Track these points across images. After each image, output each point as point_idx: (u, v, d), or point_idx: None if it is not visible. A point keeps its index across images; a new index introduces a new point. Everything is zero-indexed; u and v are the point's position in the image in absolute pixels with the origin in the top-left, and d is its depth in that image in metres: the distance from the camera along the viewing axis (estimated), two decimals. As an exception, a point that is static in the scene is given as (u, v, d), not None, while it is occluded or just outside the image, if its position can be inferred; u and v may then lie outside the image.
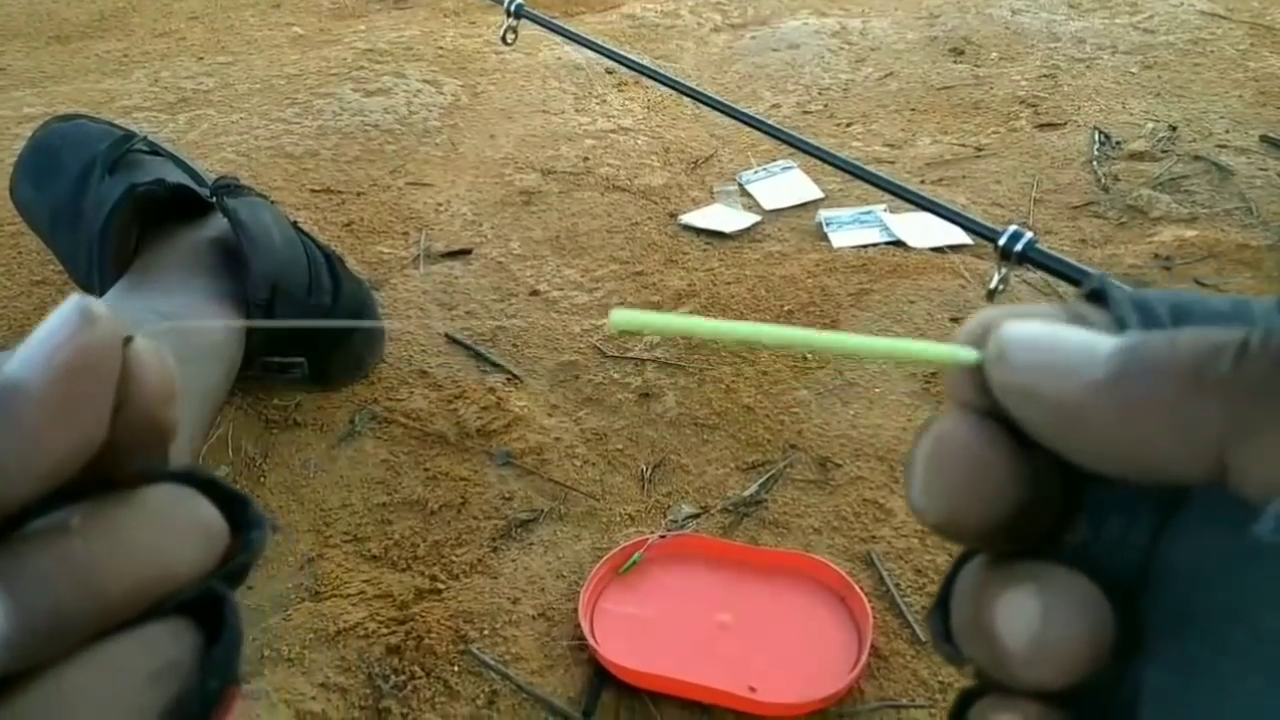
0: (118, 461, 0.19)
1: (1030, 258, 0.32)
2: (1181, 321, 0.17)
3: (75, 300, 0.19)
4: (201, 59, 1.39)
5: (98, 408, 0.18)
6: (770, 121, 1.14)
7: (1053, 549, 0.18)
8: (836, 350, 0.18)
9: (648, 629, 0.61)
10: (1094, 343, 0.17)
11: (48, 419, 0.18)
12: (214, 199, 0.74)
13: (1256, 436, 0.15)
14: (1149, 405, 0.16)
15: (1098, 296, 0.18)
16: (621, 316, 0.18)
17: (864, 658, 0.57)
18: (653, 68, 0.58)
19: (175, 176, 0.77)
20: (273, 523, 0.64)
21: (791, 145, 0.49)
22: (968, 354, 0.18)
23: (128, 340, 0.19)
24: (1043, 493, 0.18)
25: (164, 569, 0.20)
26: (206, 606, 0.20)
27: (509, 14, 0.63)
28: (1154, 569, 0.17)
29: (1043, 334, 0.17)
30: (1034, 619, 0.17)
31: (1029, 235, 0.33)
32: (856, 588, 0.61)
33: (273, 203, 0.82)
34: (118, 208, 0.71)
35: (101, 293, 0.72)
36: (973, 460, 0.17)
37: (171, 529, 0.20)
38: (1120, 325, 0.17)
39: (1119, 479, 0.17)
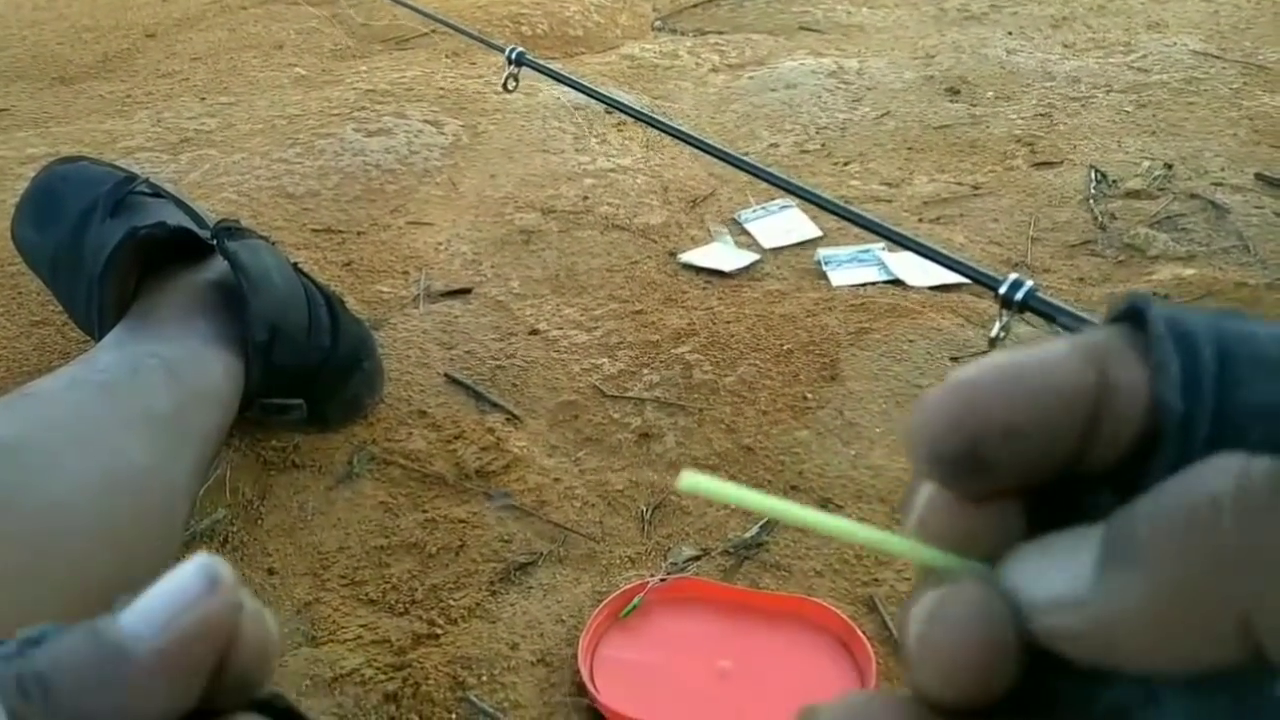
0: (203, 710, 0.19)
1: (1032, 306, 0.32)
2: (1227, 368, 0.15)
3: (202, 561, 0.19)
4: (204, 99, 1.40)
5: (202, 675, 0.19)
6: (768, 162, 1.15)
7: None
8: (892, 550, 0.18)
9: (648, 675, 0.60)
10: (1076, 565, 0.16)
11: (153, 688, 0.18)
12: (215, 241, 0.75)
13: None
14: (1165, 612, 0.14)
15: (1132, 317, 0.17)
16: (691, 481, 0.18)
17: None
18: (648, 113, 0.59)
19: (176, 219, 0.77)
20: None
21: (785, 189, 0.49)
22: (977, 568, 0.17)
23: (239, 605, 0.19)
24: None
25: None
26: None
27: (510, 62, 0.64)
28: None
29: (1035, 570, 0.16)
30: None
31: (1030, 284, 0.33)
32: (859, 633, 0.61)
33: (274, 243, 0.82)
34: (118, 250, 0.71)
35: (101, 334, 0.72)
36: (979, 653, 0.16)
37: None
38: (1158, 369, 0.16)
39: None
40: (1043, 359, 0.17)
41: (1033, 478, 0.17)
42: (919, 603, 0.17)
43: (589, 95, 0.57)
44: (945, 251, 0.37)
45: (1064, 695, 0.17)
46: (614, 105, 0.56)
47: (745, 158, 0.52)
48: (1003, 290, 0.33)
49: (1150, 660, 0.15)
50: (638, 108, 0.63)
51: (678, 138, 0.53)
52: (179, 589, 0.19)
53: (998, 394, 0.16)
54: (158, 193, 0.81)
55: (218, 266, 0.76)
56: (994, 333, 0.33)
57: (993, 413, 0.16)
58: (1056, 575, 0.16)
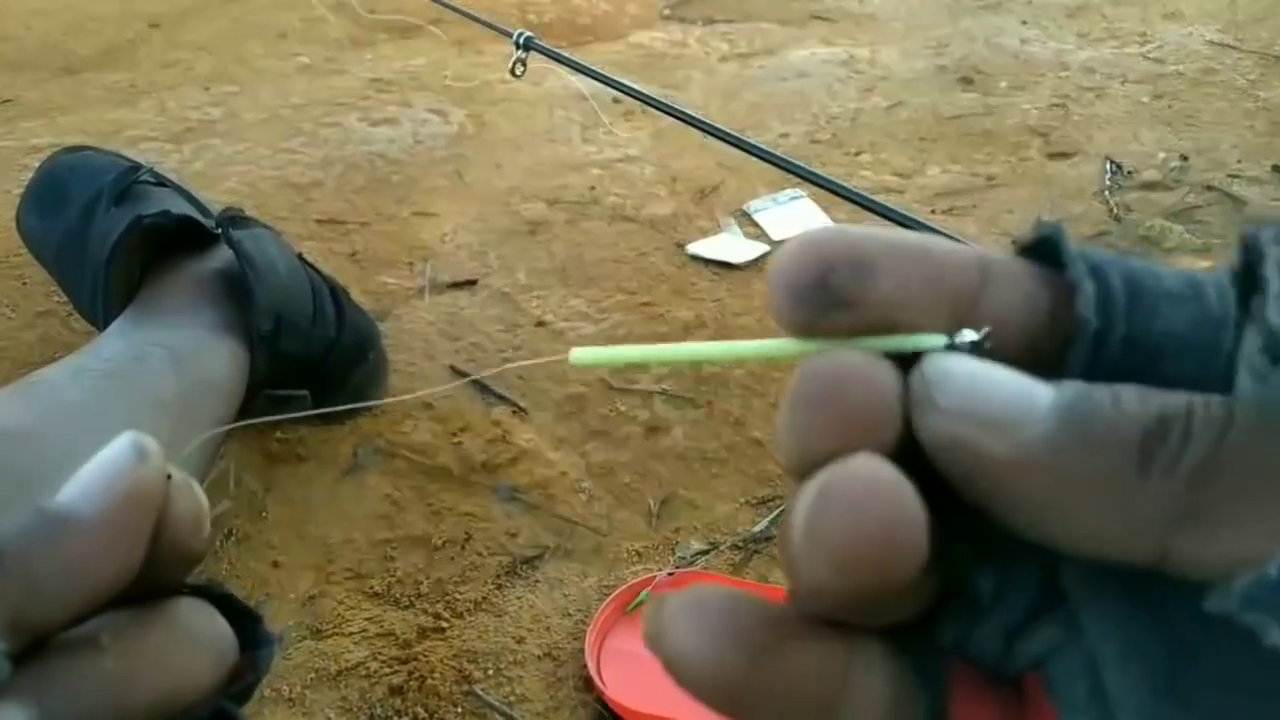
0: (147, 583, 0.20)
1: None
2: (1135, 299, 0.16)
3: (130, 436, 0.20)
4: (208, 89, 1.39)
5: (140, 539, 0.20)
6: (779, 150, 1.14)
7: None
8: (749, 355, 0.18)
9: (655, 670, 0.59)
10: (1030, 392, 0.15)
11: (94, 549, 0.19)
12: (219, 230, 0.74)
13: (1203, 523, 0.14)
14: (1089, 478, 0.14)
15: (1044, 249, 0.17)
16: (581, 355, 0.18)
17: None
18: (659, 98, 0.58)
19: (181, 208, 0.76)
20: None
21: (796, 175, 0.48)
22: (933, 340, 0.16)
23: (168, 476, 0.21)
24: (946, 554, 0.16)
25: (184, 686, 0.20)
26: None
27: (518, 46, 0.62)
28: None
29: (976, 374, 0.15)
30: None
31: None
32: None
33: (278, 233, 0.81)
34: (123, 239, 0.71)
35: (106, 323, 0.71)
36: (882, 516, 0.14)
37: (192, 646, 0.21)
38: (1071, 290, 0.16)
39: (1041, 545, 0.15)
40: (925, 237, 0.17)
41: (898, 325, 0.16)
42: (804, 490, 0.15)
43: (597, 80, 0.56)
44: (956, 238, 0.36)
45: (975, 591, 0.16)
46: (622, 89, 0.55)
47: (756, 144, 0.51)
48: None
49: (1084, 527, 0.14)
50: (643, 90, 0.62)
51: (686, 121, 0.52)
52: (110, 460, 0.20)
53: (856, 235, 0.16)
54: (162, 182, 0.81)
55: (222, 256, 0.75)
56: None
57: (842, 249, 0.16)
58: (997, 393, 0.15)
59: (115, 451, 0.20)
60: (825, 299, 0.16)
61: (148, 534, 0.20)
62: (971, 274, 0.16)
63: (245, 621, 0.22)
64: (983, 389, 0.15)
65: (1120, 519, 0.14)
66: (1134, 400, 0.15)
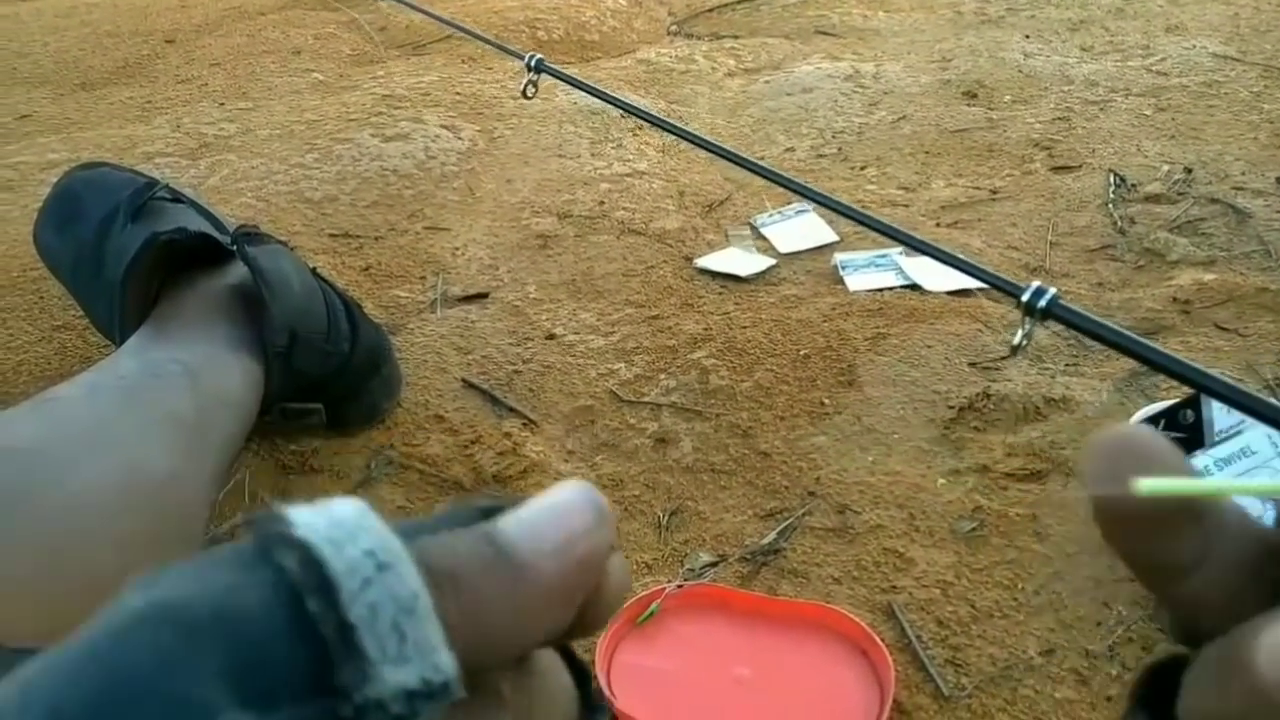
0: (554, 641, 0.20)
1: (1055, 314, 0.32)
2: None
3: (588, 491, 0.20)
4: (223, 105, 1.41)
5: (577, 603, 0.19)
6: (784, 168, 1.14)
7: None
8: None
9: (665, 682, 0.60)
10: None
11: (543, 607, 0.18)
12: (234, 247, 0.75)
13: None
14: None
15: None
16: (1149, 484, 0.19)
17: (886, 713, 0.56)
18: (665, 118, 0.58)
19: (196, 224, 0.77)
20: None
21: (799, 193, 0.49)
22: None
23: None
24: None
25: None
26: None
27: (529, 69, 0.64)
28: None
29: None
30: None
31: (1052, 291, 0.32)
32: (878, 640, 0.60)
33: (292, 249, 0.82)
34: (139, 256, 0.72)
35: (122, 339, 0.72)
36: None
37: (559, 704, 0.21)
38: None
39: None
40: None
41: None
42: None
43: (608, 102, 0.57)
44: (964, 257, 0.37)
45: None
46: (633, 111, 0.56)
47: (760, 162, 0.52)
48: (1025, 298, 0.33)
49: None
50: (654, 113, 0.63)
51: (694, 142, 0.53)
52: (566, 513, 0.19)
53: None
54: (178, 198, 0.82)
55: (237, 272, 0.76)
56: (1016, 340, 0.32)
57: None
58: None
59: (572, 504, 0.19)
60: None
61: (584, 601, 0.19)
62: None
63: (581, 679, 0.22)
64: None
65: None
66: None
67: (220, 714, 0.15)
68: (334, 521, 0.17)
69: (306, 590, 0.16)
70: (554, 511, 0.19)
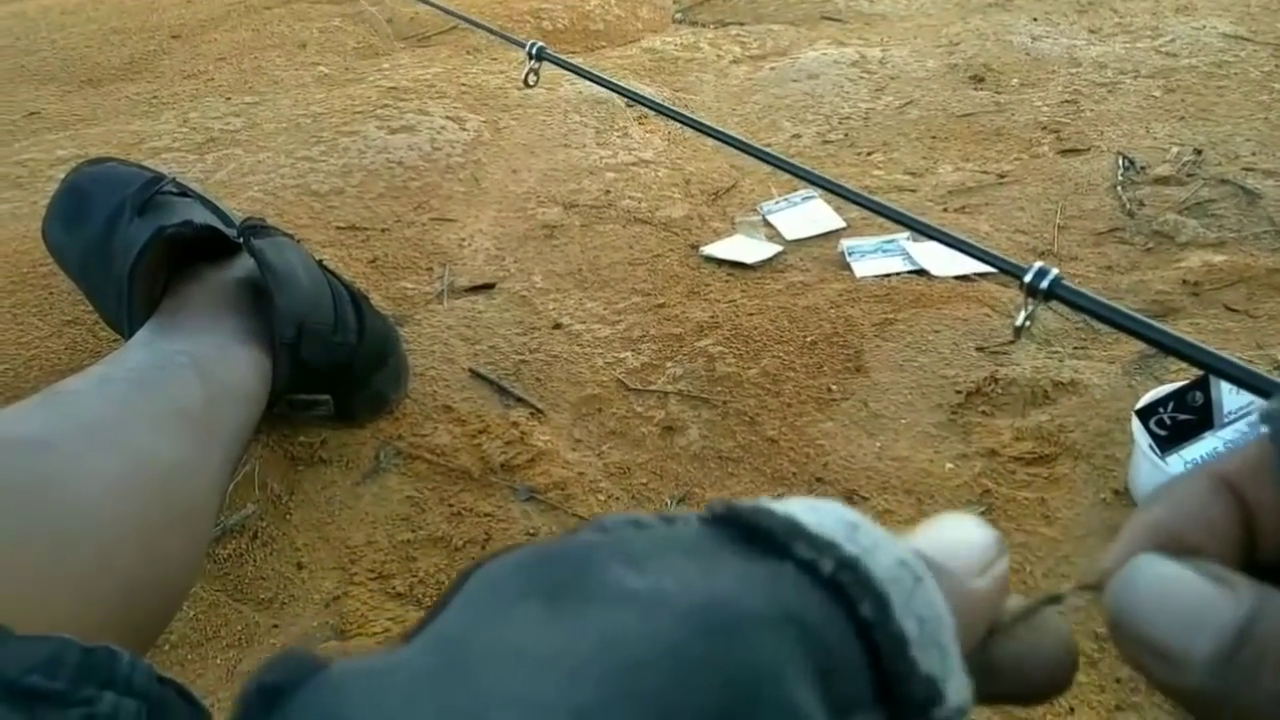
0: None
1: (1058, 295, 0.32)
2: None
3: (984, 525, 0.20)
4: (229, 99, 1.41)
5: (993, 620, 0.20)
6: (790, 153, 1.14)
7: None
8: None
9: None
10: (1202, 620, 0.16)
11: (980, 619, 0.19)
12: (241, 240, 0.75)
13: None
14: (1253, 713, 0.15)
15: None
16: None
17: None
18: (667, 105, 0.58)
19: (203, 218, 0.78)
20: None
21: (805, 179, 0.49)
22: None
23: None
24: None
25: None
26: None
27: (530, 57, 0.64)
28: None
29: (1162, 595, 0.17)
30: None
31: (1055, 272, 0.32)
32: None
33: (299, 241, 0.83)
34: (146, 249, 0.72)
35: (131, 333, 0.73)
36: None
37: None
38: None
39: None
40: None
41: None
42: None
43: (609, 89, 0.57)
44: (969, 240, 0.37)
45: None
46: (633, 98, 0.56)
47: (767, 149, 0.52)
48: (1028, 279, 0.32)
49: None
50: (658, 100, 0.63)
51: (697, 129, 0.53)
52: (983, 543, 0.20)
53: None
54: (185, 192, 0.82)
55: (244, 265, 0.76)
56: (1019, 322, 0.32)
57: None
58: (1171, 619, 0.18)
59: (979, 534, 0.20)
60: None
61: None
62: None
63: None
64: (1161, 612, 0.17)
65: None
66: None
67: None
68: (848, 524, 0.17)
69: (858, 596, 0.16)
70: (960, 532, 0.20)
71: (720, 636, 0.14)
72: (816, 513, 0.17)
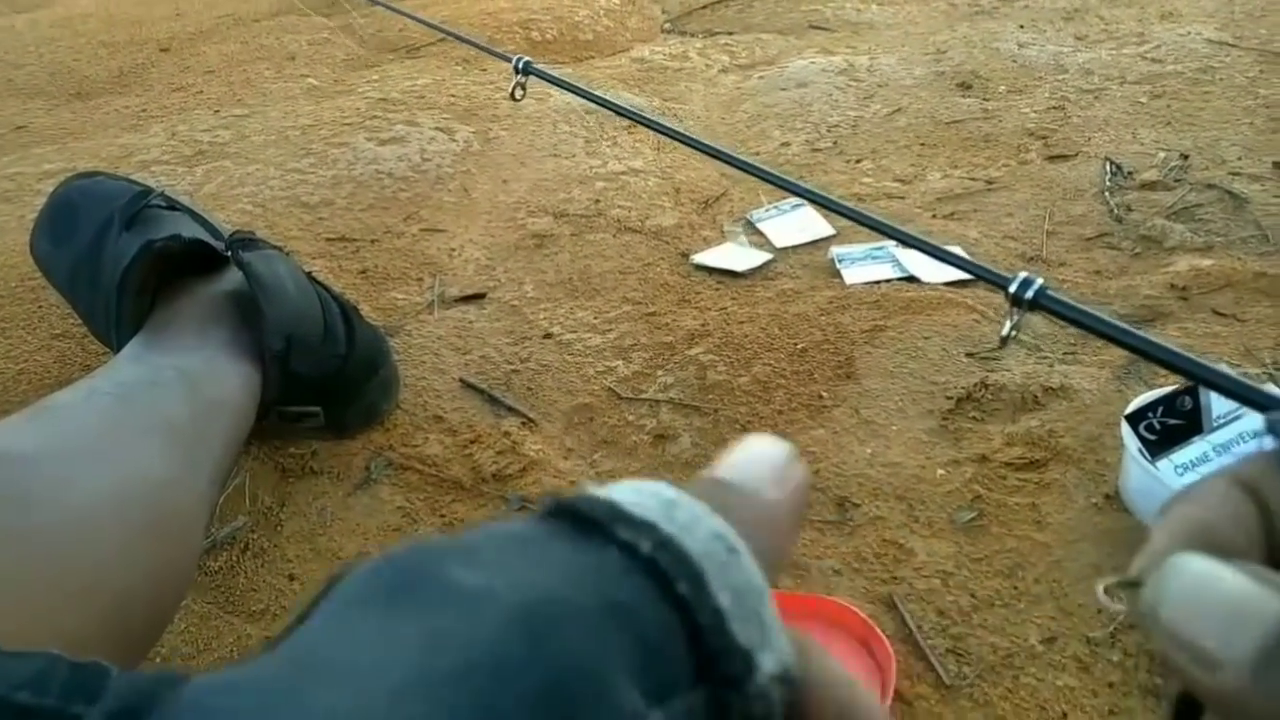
0: None
1: (1043, 305, 0.32)
2: None
3: (775, 441, 0.21)
4: (218, 112, 1.41)
5: (800, 526, 0.21)
6: (779, 162, 1.14)
7: None
8: None
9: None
10: (1244, 617, 0.16)
11: (789, 530, 0.20)
12: (229, 253, 0.75)
13: None
14: None
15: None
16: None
17: (887, 703, 0.56)
18: (650, 116, 0.58)
19: (191, 231, 0.77)
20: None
21: (791, 191, 0.49)
22: None
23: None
24: None
25: None
26: None
27: (517, 71, 0.64)
28: None
29: (1200, 591, 0.17)
30: None
31: (1040, 281, 0.32)
32: (879, 631, 0.60)
33: (289, 253, 0.83)
34: (134, 263, 0.72)
35: (119, 346, 0.73)
36: None
37: None
38: None
39: None
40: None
41: None
42: None
43: (594, 102, 0.57)
44: (945, 248, 0.37)
45: None
46: (618, 110, 0.56)
47: (755, 158, 0.52)
48: (1012, 289, 0.33)
49: None
50: (645, 111, 0.64)
51: (682, 141, 0.53)
52: (776, 456, 0.21)
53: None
54: (173, 205, 0.82)
55: (233, 278, 0.76)
56: (1004, 331, 0.32)
57: None
58: (1210, 618, 0.17)
59: (775, 449, 0.21)
60: None
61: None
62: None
63: None
64: (1200, 610, 0.17)
65: None
66: None
67: (646, 716, 0.14)
68: (666, 501, 0.17)
69: (675, 575, 0.16)
70: (755, 453, 0.21)
71: (541, 637, 0.14)
72: (638, 494, 0.17)
